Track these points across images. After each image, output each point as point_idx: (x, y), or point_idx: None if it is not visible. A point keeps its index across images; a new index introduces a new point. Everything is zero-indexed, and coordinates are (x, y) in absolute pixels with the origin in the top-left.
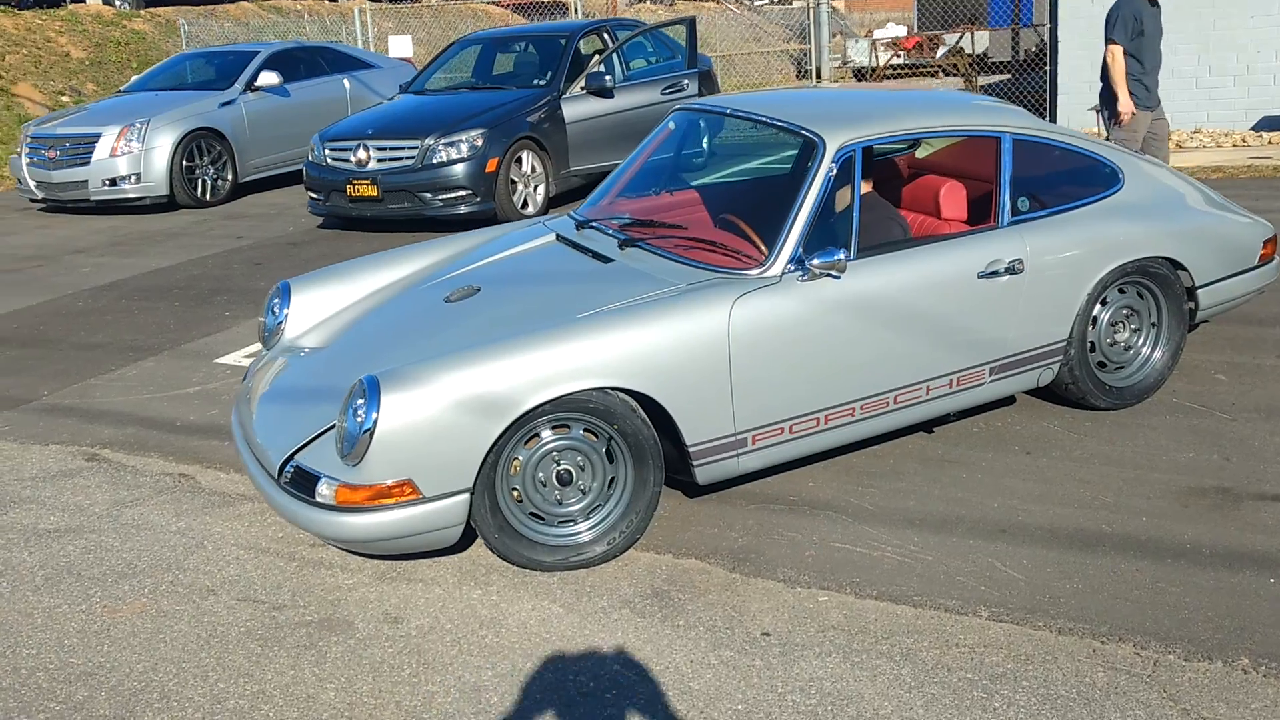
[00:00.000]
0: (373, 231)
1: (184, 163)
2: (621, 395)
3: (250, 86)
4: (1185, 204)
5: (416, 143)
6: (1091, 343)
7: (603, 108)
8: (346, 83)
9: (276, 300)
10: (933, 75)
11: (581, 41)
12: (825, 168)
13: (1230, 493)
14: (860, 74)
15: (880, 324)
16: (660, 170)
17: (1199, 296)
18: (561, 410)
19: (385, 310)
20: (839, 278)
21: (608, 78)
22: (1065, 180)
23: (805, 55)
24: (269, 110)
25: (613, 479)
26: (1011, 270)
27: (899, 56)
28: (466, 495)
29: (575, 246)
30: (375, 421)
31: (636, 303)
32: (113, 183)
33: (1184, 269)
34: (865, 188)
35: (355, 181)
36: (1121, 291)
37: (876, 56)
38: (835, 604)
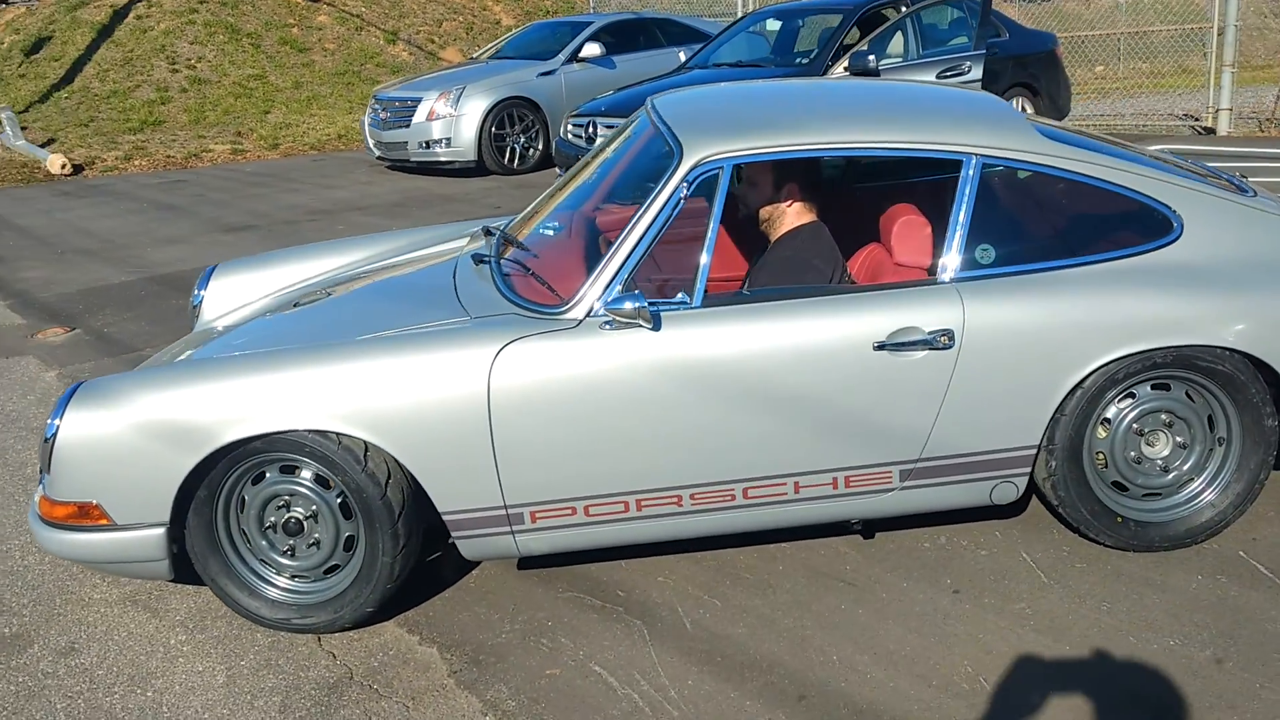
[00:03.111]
0: None
1: (493, 130)
2: (351, 442)
3: (575, 57)
4: None
5: None
6: (1102, 454)
7: None
8: (682, 55)
9: (199, 282)
10: None
11: (872, 13)
12: (672, 187)
13: (1168, 714)
14: None
15: (716, 395)
16: (627, 176)
17: None
18: (278, 450)
19: (266, 308)
20: (654, 329)
21: (871, 58)
22: (1074, 226)
23: None
24: (588, 81)
25: (351, 538)
26: (932, 344)
27: None
28: (162, 529)
29: (459, 257)
30: (55, 432)
31: (407, 333)
32: (427, 145)
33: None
34: (807, 216)
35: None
36: (1161, 388)
37: None
38: None
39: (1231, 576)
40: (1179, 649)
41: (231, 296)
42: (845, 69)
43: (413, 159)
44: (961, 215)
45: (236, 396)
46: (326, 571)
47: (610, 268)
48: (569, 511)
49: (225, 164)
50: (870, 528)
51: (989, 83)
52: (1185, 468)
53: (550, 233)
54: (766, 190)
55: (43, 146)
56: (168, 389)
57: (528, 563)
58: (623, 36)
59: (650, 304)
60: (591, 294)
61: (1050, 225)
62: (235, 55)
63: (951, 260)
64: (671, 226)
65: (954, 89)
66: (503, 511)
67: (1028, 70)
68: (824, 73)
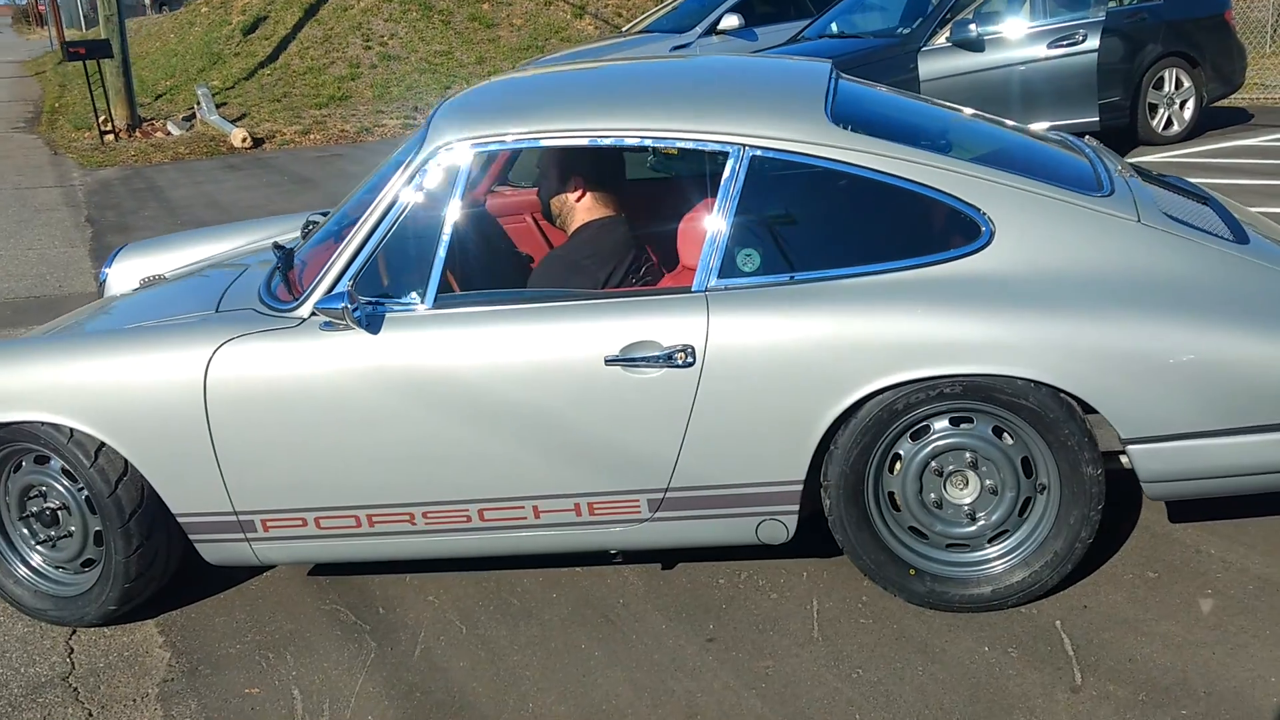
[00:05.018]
0: None
1: None
2: (84, 437)
3: (714, 29)
4: (1145, 288)
5: None
6: (891, 495)
7: (967, 64)
8: (833, 26)
9: (107, 260)
10: None
11: None
12: (406, 176)
13: None
14: None
15: (440, 407)
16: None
17: (1135, 457)
18: (18, 440)
19: (127, 291)
20: (371, 332)
21: (972, 27)
22: (861, 230)
23: None
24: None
25: (100, 533)
26: (670, 361)
27: None
28: None
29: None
30: None
31: (159, 324)
32: None
33: (1084, 404)
34: (600, 211)
35: None
36: (964, 422)
37: None
38: None
39: (1025, 651)
40: None
41: (135, 275)
42: (948, 39)
43: None
44: (724, 215)
45: None
46: (84, 565)
47: (337, 264)
48: (299, 522)
49: (392, 138)
50: (672, 558)
51: (1132, 51)
52: (993, 518)
53: (334, 225)
54: (553, 182)
55: (234, 122)
56: None
57: (321, 568)
58: (772, 6)
59: (370, 304)
60: (317, 291)
61: (833, 229)
62: (426, 32)
63: (709, 266)
64: (477, 220)
65: (774, 62)
66: (234, 518)
67: (1187, 39)
68: (925, 43)
